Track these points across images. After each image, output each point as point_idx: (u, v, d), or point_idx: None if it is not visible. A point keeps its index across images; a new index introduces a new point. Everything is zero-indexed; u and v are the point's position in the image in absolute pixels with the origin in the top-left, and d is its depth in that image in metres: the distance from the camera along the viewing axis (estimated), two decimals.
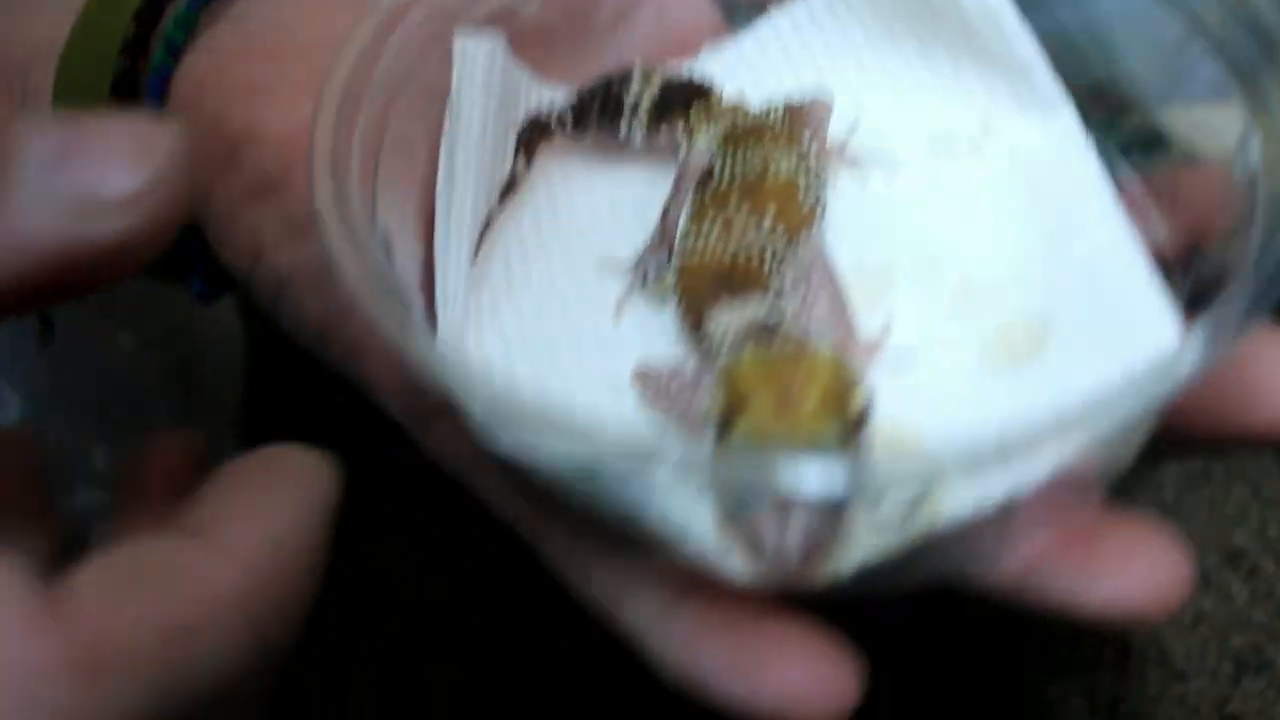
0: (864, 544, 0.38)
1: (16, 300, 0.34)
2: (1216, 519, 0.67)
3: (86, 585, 0.32)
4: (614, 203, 0.51)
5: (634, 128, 0.51)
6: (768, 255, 0.45)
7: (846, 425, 0.37)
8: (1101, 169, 0.49)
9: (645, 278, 0.48)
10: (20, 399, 0.51)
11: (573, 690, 0.63)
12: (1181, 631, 0.65)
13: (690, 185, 0.48)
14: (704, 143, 0.50)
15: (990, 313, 0.47)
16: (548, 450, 0.36)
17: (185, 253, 0.51)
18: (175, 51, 0.49)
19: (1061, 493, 0.39)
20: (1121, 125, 0.48)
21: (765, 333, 0.42)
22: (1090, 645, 0.64)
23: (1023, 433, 0.33)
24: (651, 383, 0.43)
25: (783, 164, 0.48)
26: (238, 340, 0.58)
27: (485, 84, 0.45)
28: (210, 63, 0.48)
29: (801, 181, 0.48)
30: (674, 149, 0.51)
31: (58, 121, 0.33)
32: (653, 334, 0.47)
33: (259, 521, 0.34)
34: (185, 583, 0.32)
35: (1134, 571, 0.38)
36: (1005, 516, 0.38)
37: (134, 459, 0.43)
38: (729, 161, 0.48)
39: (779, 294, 0.45)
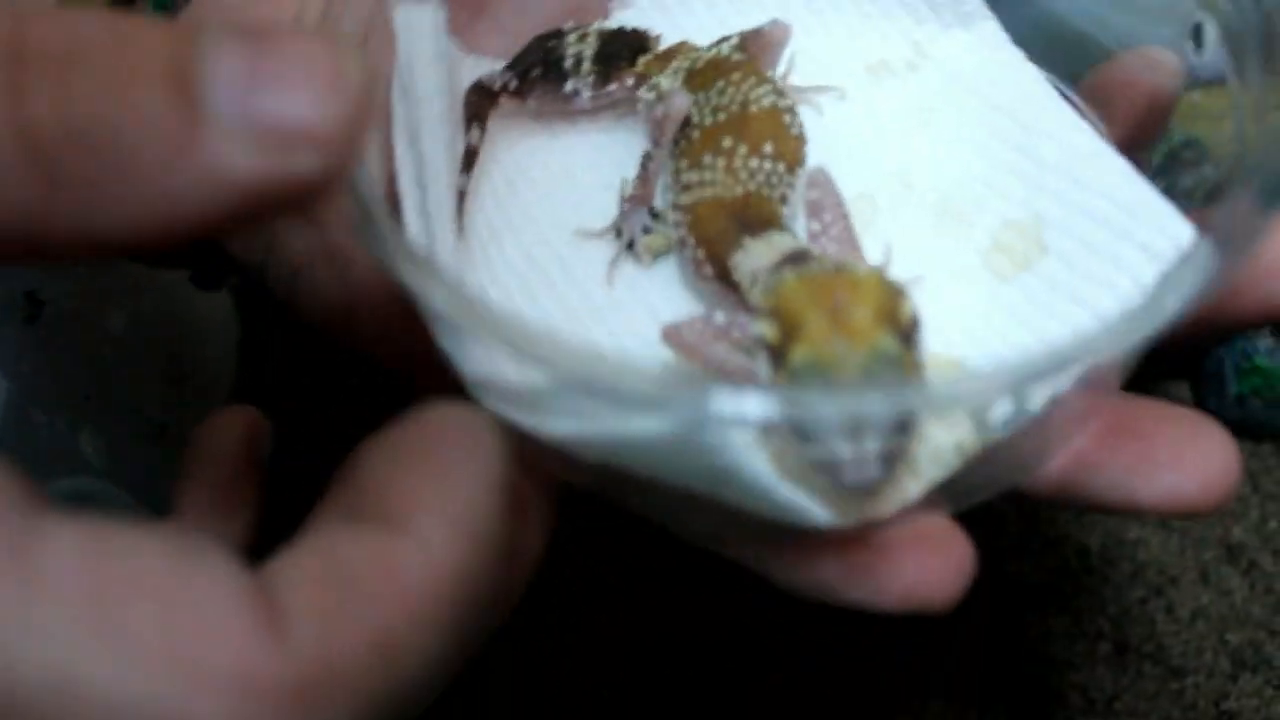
0: (927, 467, 0.39)
1: (199, 235, 0.31)
2: (1215, 514, 0.67)
3: (296, 594, 0.29)
4: (571, 165, 0.51)
5: (580, 84, 0.50)
6: (774, 187, 0.46)
7: (902, 334, 0.37)
8: (1040, 74, 0.51)
9: (632, 238, 0.48)
10: (8, 380, 0.50)
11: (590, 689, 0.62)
12: (1179, 627, 0.65)
13: (671, 131, 0.48)
14: (672, 86, 0.49)
15: (980, 224, 0.48)
16: (618, 431, 0.34)
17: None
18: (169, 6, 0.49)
19: (1093, 391, 0.39)
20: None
21: (795, 261, 0.42)
22: (1087, 640, 0.64)
23: (1075, 345, 0.33)
24: (683, 337, 0.42)
25: (762, 95, 0.48)
26: (232, 326, 0.57)
27: (434, 54, 0.43)
28: (212, 12, 0.48)
29: (784, 109, 0.48)
30: (627, 101, 0.51)
31: (241, 39, 0.29)
32: (649, 291, 0.47)
33: (449, 509, 0.31)
34: (392, 588, 0.30)
35: (1187, 465, 0.39)
36: (1046, 422, 0.38)
37: (206, 428, 0.40)
38: (705, 101, 0.48)
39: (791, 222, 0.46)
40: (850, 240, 0.46)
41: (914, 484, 0.39)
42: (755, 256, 0.43)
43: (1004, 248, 0.47)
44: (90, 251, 0.29)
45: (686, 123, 0.48)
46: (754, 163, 0.46)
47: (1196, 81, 0.47)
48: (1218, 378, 0.68)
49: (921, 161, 0.50)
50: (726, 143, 0.46)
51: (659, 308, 0.46)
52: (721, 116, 0.47)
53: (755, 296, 0.41)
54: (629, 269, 0.48)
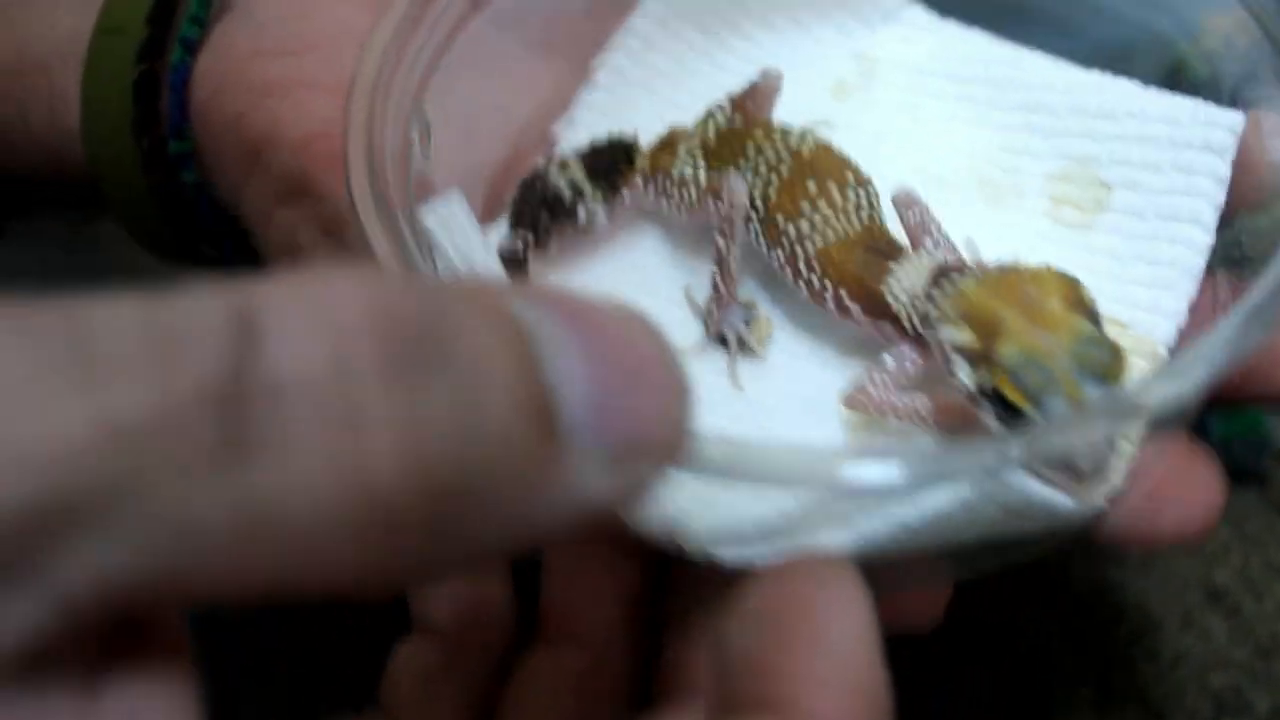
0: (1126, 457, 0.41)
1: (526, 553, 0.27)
2: (1198, 557, 0.67)
3: None
4: (619, 283, 0.49)
5: (593, 207, 0.49)
6: (876, 210, 0.46)
7: (1090, 316, 0.39)
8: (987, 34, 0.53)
9: (739, 335, 0.47)
10: None
11: None
12: (1161, 671, 0.64)
13: (742, 216, 0.47)
14: (696, 172, 0.49)
15: (1029, 189, 0.50)
16: (906, 516, 0.35)
17: (220, 247, 0.51)
18: (192, 48, 0.49)
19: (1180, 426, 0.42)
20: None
21: (950, 272, 0.43)
22: (1068, 685, 0.64)
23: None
24: (869, 396, 0.42)
25: (800, 138, 0.48)
26: None
27: (477, 239, 0.43)
28: (226, 62, 0.48)
29: (825, 143, 0.48)
30: (641, 206, 0.50)
31: (575, 332, 0.25)
32: (772, 374, 0.47)
33: (837, 679, 0.28)
34: None
35: (1189, 500, 0.41)
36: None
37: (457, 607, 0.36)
38: (752, 170, 0.48)
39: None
40: (955, 248, 0.46)
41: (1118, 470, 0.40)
42: (907, 278, 0.43)
43: (1065, 199, 0.49)
44: (411, 584, 0.25)
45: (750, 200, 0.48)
46: (851, 194, 0.46)
47: None
48: (1201, 421, 0.68)
49: (937, 157, 0.51)
50: (812, 187, 0.46)
51: (793, 386, 0.46)
52: (783, 170, 0.47)
53: (918, 317, 0.43)
54: (742, 365, 0.47)
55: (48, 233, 0.60)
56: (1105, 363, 0.38)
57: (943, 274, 0.43)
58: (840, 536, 0.35)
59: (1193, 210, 0.47)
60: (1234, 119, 0.47)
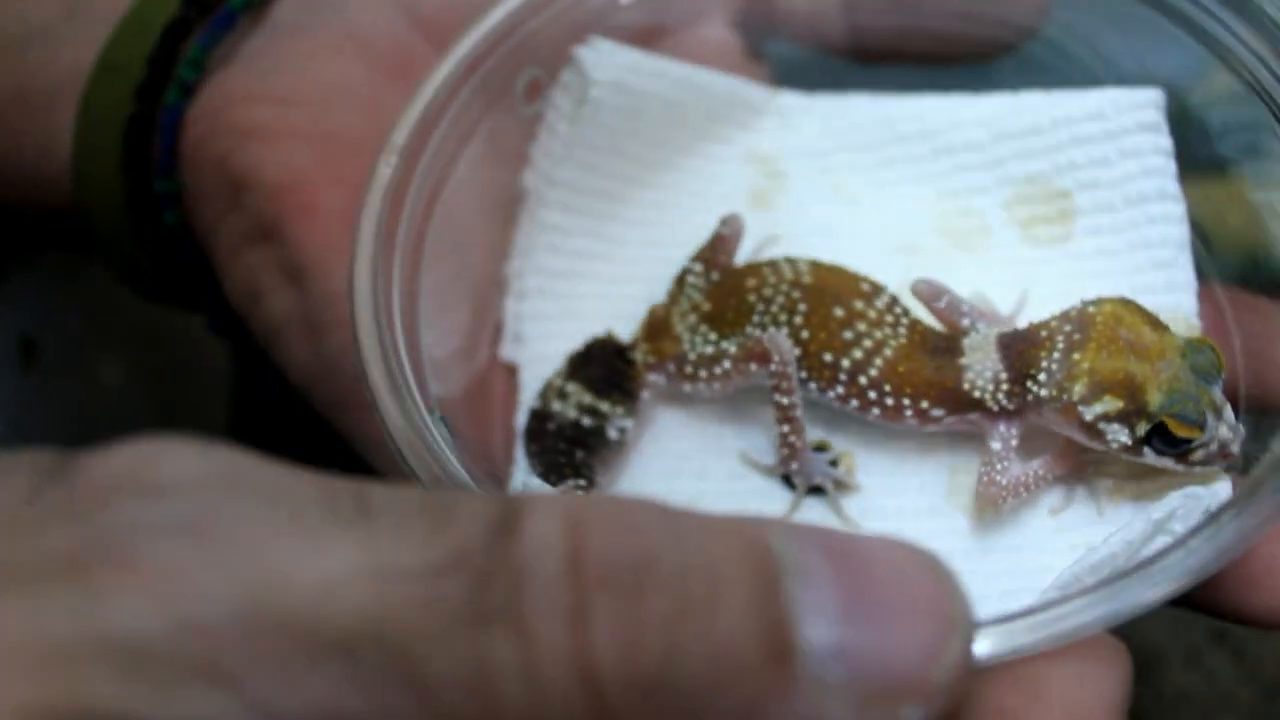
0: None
1: None
2: None
3: None
4: (678, 491, 0.48)
5: (618, 423, 0.47)
6: (905, 309, 0.47)
7: (1165, 325, 0.43)
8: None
9: (828, 479, 0.47)
10: (2, 425, 0.51)
11: None
12: (1164, 710, 0.64)
13: (793, 370, 0.46)
14: (706, 344, 0.48)
15: (993, 219, 0.50)
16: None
17: (202, 284, 0.52)
18: (188, 91, 0.50)
19: None
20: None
21: (1010, 334, 0.45)
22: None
23: None
24: (997, 488, 0.44)
25: (791, 267, 0.47)
26: (226, 374, 0.58)
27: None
28: (219, 104, 0.49)
29: (814, 262, 0.48)
30: (661, 396, 0.49)
31: (828, 554, 0.25)
32: (872, 498, 0.47)
33: None
34: None
35: None
36: None
37: None
38: (770, 317, 0.47)
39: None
40: (985, 311, 0.48)
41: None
42: (982, 365, 0.45)
43: (1033, 220, 0.50)
44: None
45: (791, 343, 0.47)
46: (878, 303, 0.46)
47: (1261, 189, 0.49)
48: None
49: (893, 228, 0.51)
50: (840, 313, 0.46)
51: (899, 500, 0.47)
52: (800, 306, 0.46)
53: (1004, 395, 0.44)
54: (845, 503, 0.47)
55: None
56: (1211, 360, 0.43)
57: (1008, 346, 0.45)
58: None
59: (1157, 187, 0.48)
60: (1152, 95, 0.48)
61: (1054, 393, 0.43)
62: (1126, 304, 0.44)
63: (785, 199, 0.53)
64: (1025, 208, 0.50)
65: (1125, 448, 0.43)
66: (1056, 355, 0.43)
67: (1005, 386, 0.44)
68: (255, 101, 0.48)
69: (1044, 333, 0.44)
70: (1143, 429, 0.42)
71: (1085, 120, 0.49)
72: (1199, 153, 0.49)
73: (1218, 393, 0.42)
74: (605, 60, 0.50)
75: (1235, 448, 0.42)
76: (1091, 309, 0.44)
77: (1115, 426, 0.42)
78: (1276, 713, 0.64)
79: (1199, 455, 0.42)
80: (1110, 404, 0.42)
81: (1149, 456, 0.43)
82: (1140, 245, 0.48)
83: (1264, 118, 0.45)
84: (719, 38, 0.54)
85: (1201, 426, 0.42)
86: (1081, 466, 0.45)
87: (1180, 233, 0.47)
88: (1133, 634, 0.65)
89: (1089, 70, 0.51)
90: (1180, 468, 0.43)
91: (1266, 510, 0.37)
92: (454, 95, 0.47)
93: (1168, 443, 0.42)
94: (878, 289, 0.47)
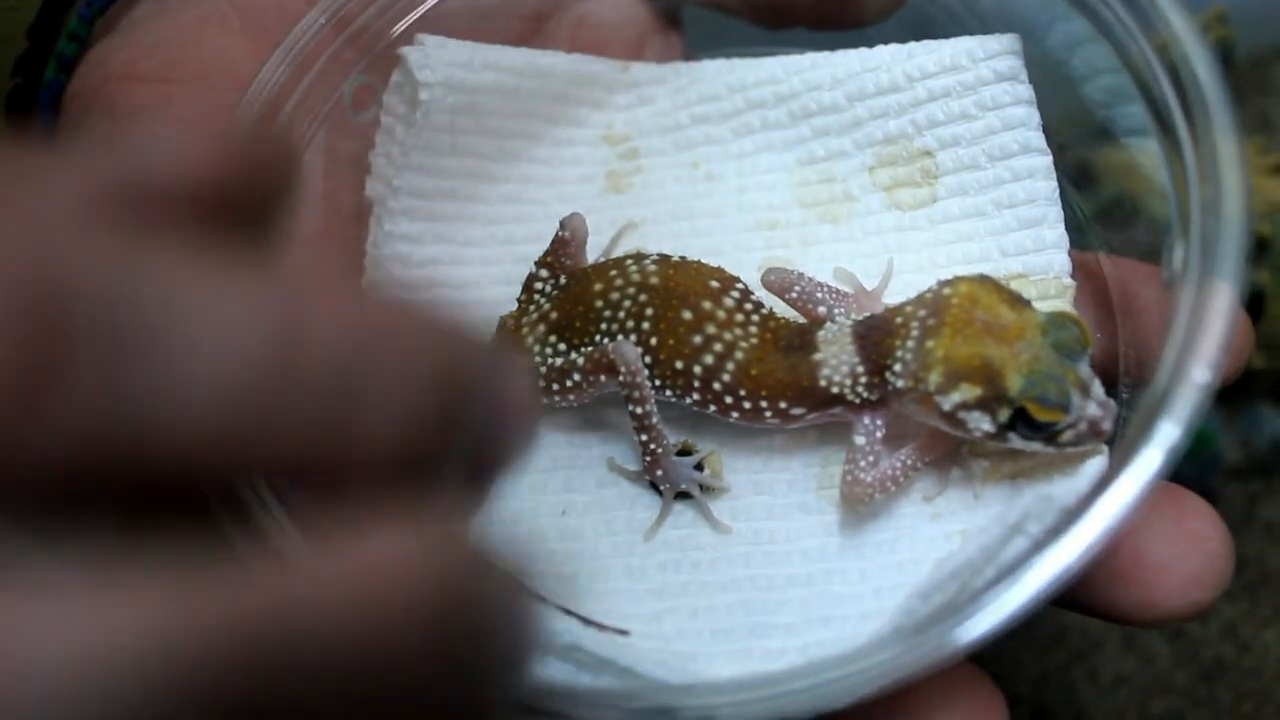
0: None
1: None
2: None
3: None
4: (540, 497, 0.46)
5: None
6: (759, 304, 0.44)
7: (1024, 299, 0.41)
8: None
9: (699, 480, 0.45)
10: None
11: None
12: (1101, 693, 0.62)
13: (643, 378, 0.44)
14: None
15: (854, 182, 0.48)
16: None
17: None
18: (67, 66, 0.48)
19: None
20: (1059, 163, 0.46)
21: (865, 323, 0.42)
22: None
23: None
24: (862, 486, 0.42)
25: (640, 267, 0.45)
26: None
27: None
28: (97, 81, 0.47)
29: (662, 257, 0.45)
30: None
31: None
32: (741, 498, 0.45)
33: None
34: None
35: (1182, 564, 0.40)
36: None
37: None
38: (618, 325, 0.44)
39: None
40: (845, 293, 0.46)
41: None
42: (837, 359, 0.42)
43: (896, 184, 0.48)
44: None
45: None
46: (728, 301, 0.43)
47: (1114, 136, 0.46)
48: None
49: (752, 203, 0.49)
50: (688, 316, 0.43)
51: (770, 499, 0.45)
52: (648, 311, 0.44)
53: (863, 387, 0.42)
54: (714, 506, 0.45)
55: None
56: (1075, 336, 0.40)
57: (864, 336, 0.42)
58: None
59: (1020, 140, 0.45)
60: (1008, 41, 0.46)
61: (910, 383, 0.41)
62: (983, 282, 0.41)
63: (642, 180, 0.50)
64: (887, 171, 0.48)
65: (990, 435, 0.40)
66: (911, 343, 0.41)
67: (864, 379, 0.42)
68: (135, 80, 0.46)
69: (899, 319, 0.42)
70: (1004, 415, 0.40)
71: (941, 74, 0.46)
72: (1068, 102, 0.46)
73: (1084, 369, 0.40)
74: (433, 58, 0.47)
75: (1107, 424, 0.40)
76: (947, 291, 0.41)
77: (976, 414, 0.40)
78: (1215, 695, 0.62)
79: (1068, 436, 0.40)
80: (968, 391, 0.40)
81: (1016, 442, 0.40)
82: (1007, 203, 0.46)
83: (1118, 63, 0.42)
84: (623, 8, 0.52)
85: (1065, 408, 0.39)
86: (953, 449, 0.43)
87: (1048, 187, 0.45)
88: (1068, 616, 0.63)
89: (949, 8, 0.49)
90: (1052, 450, 0.40)
91: (1121, 510, 0.34)
92: (279, 108, 0.45)
93: (1032, 427, 0.40)
94: (728, 284, 0.44)
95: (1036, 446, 0.40)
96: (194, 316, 0.22)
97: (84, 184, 0.24)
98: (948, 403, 0.40)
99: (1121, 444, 0.38)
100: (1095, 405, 0.39)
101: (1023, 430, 0.40)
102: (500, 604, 0.24)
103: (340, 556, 0.22)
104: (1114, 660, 0.63)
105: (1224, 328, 0.35)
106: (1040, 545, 0.35)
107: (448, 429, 0.25)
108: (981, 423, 0.40)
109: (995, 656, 0.63)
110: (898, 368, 0.41)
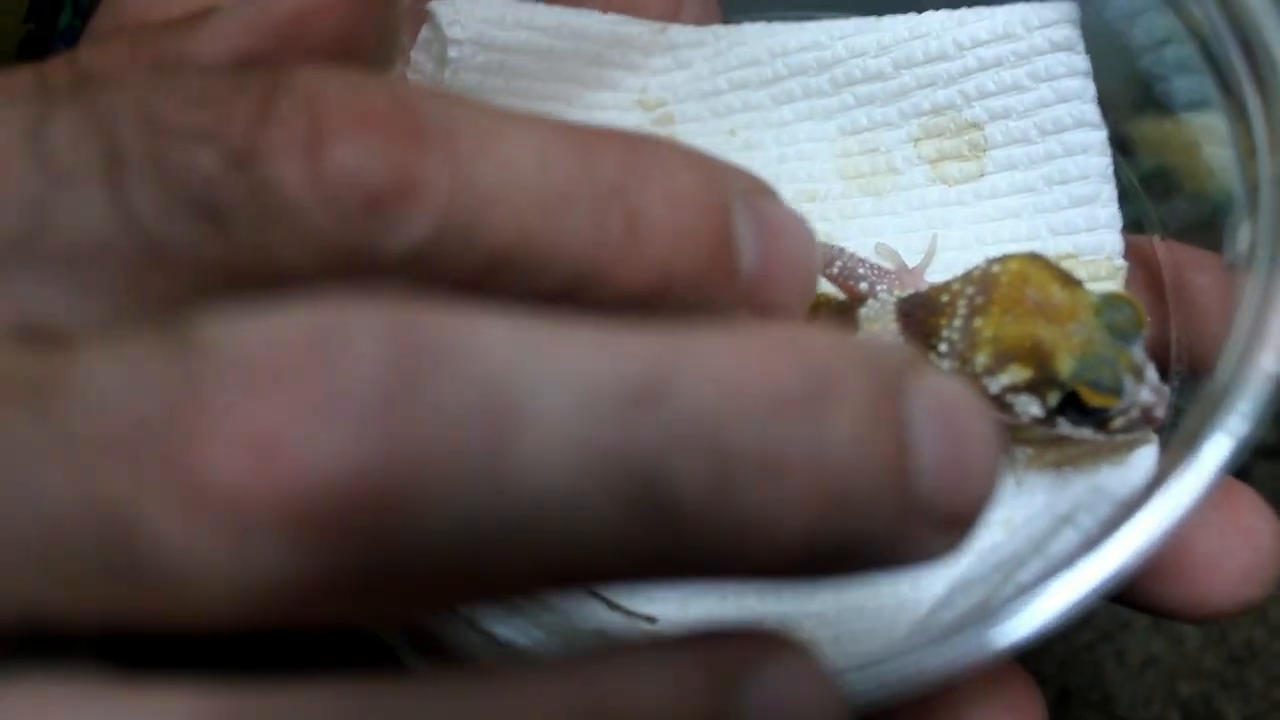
0: None
1: None
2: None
3: None
4: None
5: None
6: None
7: (1076, 279, 0.39)
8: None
9: None
10: None
11: None
12: (1128, 675, 0.61)
13: None
14: None
15: (900, 155, 0.46)
16: None
17: None
18: (83, 11, 0.47)
19: None
20: (1111, 138, 0.44)
21: (910, 300, 0.41)
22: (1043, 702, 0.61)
23: None
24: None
25: None
26: None
27: None
28: (117, 22, 0.44)
29: None
30: None
31: (938, 399, 0.25)
32: None
33: None
34: None
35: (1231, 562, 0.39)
36: None
37: None
38: None
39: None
40: (888, 270, 0.45)
41: None
42: (879, 335, 0.41)
43: (942, 156, 0.46)
44: None
45: None
46: None
47: (1169, 109, 0.44)
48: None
49: (791, 173, 0.47)
50: None
51: None
52: None
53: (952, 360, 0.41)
54: None
55: None
56: (1130, 318, 0.38)
57: (908, 314, 0.41)
58: None
59: (1075, 114, 0.44)
60: (1065, 9, 0.44)
61: (956, 364, 0.39)
62: (1034, 260, 0.39)
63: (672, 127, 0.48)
64: (933, 143, 0.46)
65: (1038, 420, 0.39)
66: (958, 323, 0.39)
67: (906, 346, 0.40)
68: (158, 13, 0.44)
69: (945, 297, 0.40)
70: (1054, 399, 0.38)
71: (993, 42, 0.44)
72: (1122, 73, 0.44)
73: (1138, 352, 0.38)
74: (463, 13, 0.45)
75: (1160, 411, 0.38)
76: (996, 268, 0.39)
77: (1024, 398, 0.38)
78: (1244, 679, 0.61)
79: (1119, 423, 0.38)
80: (1017, 374, 0.38)
81: (1064, 428, 0.39)
82: (1058, 180, 0.44)
83: (1183, 31, 0.40)
84: None
85: (1118, 393, 0.37)
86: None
87: (1102, 164, 0.43)
88: None
89: None
90: (1102, 436, 0.39)
91: (1183, 505, 0.32)
92: None
93: (1083, 412, 0.38)
94: None
95: (1086, 433, 0.39)
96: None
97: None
98: (995, 385, 0.38)
99: (1178, 435, 0.36)
100: (1149, 391, 0.38)
101: (1072, 415, 0.38)
102: None
103: None
104: (1142, 641, 0.62)
105: None
106: (1093, 541, 0.32)
107: None
108: (1030, 406, 0.38)
109: None
110: (943, 348, 0.39)
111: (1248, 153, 0.37)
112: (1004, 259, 0.39)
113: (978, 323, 0.39)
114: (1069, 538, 0.36)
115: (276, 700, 0.21)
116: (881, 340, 0.39)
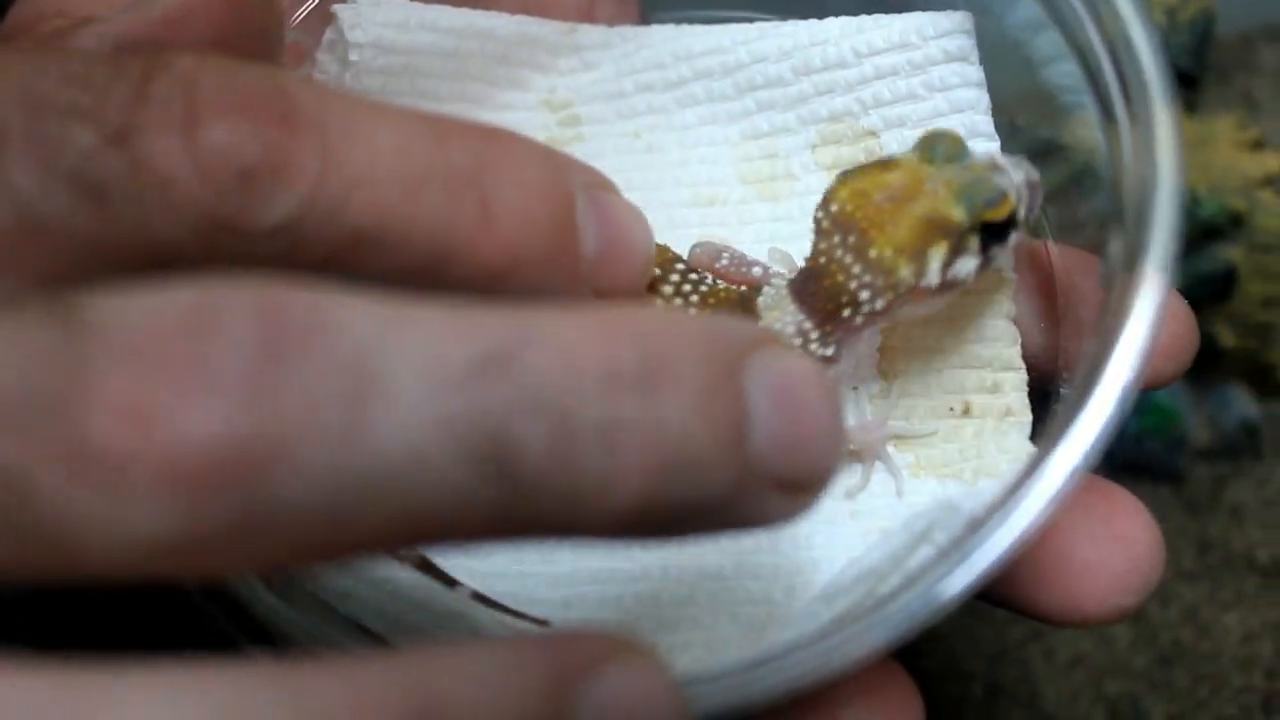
0: None
1: None
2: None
3: None
4: None
5: None
6: (702, 276, 0.44)
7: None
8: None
9: None
10: None
11: None
12: (1056, 673, 0.62)
13: None
14: None
15: (802, 170, 0.47)
16: None
17: None
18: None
19: None
20: (1016, 144, 0.45)
21: (798, 279, 0.41)
22: (959, 681, 0.62)
23: None
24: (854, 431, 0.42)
25: None
26: None
27: None
28: (32, 17, 0.44)
29: None
30: None
31: (780, 373, 0.27)
32: None
33: None
34: None
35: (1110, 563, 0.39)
36: None
37: None
38: None
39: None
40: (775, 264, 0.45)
41: None
42: (781, 318, 0.41)
43: (839, 164, 0.46)
44: None
45: None
46: (673, 279, 0.42)
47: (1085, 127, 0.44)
48: None
49: (693, 176, 0.48)
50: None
51: None
52: None
53: (815, 337, 0.41)
54: None
55: None
56: (949, 141, 0.40)
57: (801, 290, 0.41)
58: None
59: (968, 124, 0.44)
60: (959, 19, 0.44)
61: (890, 296, 0.40)
62: (847, 175, 0.40)
63: (582, 149, 0.48)
64: (830, 150, 0.46)
65: (983, 270, 0.40)
66: (857, 268, 0.40)
67: (815, 333, 0.41)
68: (68, 20, 0.44)
69: (822, 259, 0.40)
70: (974, 243, 0.39)
71: (890, 51, 0.45)
72: (1027, 81, 0.45)
73: (979, 156, 0.40)
74: (365, 17, 0.45)
75: (1035, 174, 0.40)
76: (834, 208, 0.40)
77: (959, 264, 0.40)
78: (1171, 679, 0.62)
79: (1024, 211, 0.40)
80: (937, 254, 0.39)
81: (1002, 260, 0.41)
82: None
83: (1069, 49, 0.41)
84: None
85: (1006, 192, 0.39)
86: (881, 442, 0.42)
87: None
88: None
89: None
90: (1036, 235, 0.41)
91: (1031, 521, 0.33)
92: None
93: (1001, 234, 0.40)
94: (667, 268, 0.43)
95: (1024, 241, 0.41)
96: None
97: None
98: (933, 276, 0.39)
99: (1041, 448, 0.36)
100: (1012, 170, 0.40)
101: (997, 243, 0.40)
102: None
103: None
104: (1072, 640, 0.63)
105: (1152, 320, 0.34)
106: (945, 556, 0.33)
107: None
108: (968, 265, 0.40)
109: (950, 631, 0.63)
110: (864, 295, 0.40)
111: (1120, 163, 0.38)
112: (826, 197, 0.40)
113: (872, 253, 0.39)
114: (925, 553, 0.37)
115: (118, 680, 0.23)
116: (728, 318, 0.39)
